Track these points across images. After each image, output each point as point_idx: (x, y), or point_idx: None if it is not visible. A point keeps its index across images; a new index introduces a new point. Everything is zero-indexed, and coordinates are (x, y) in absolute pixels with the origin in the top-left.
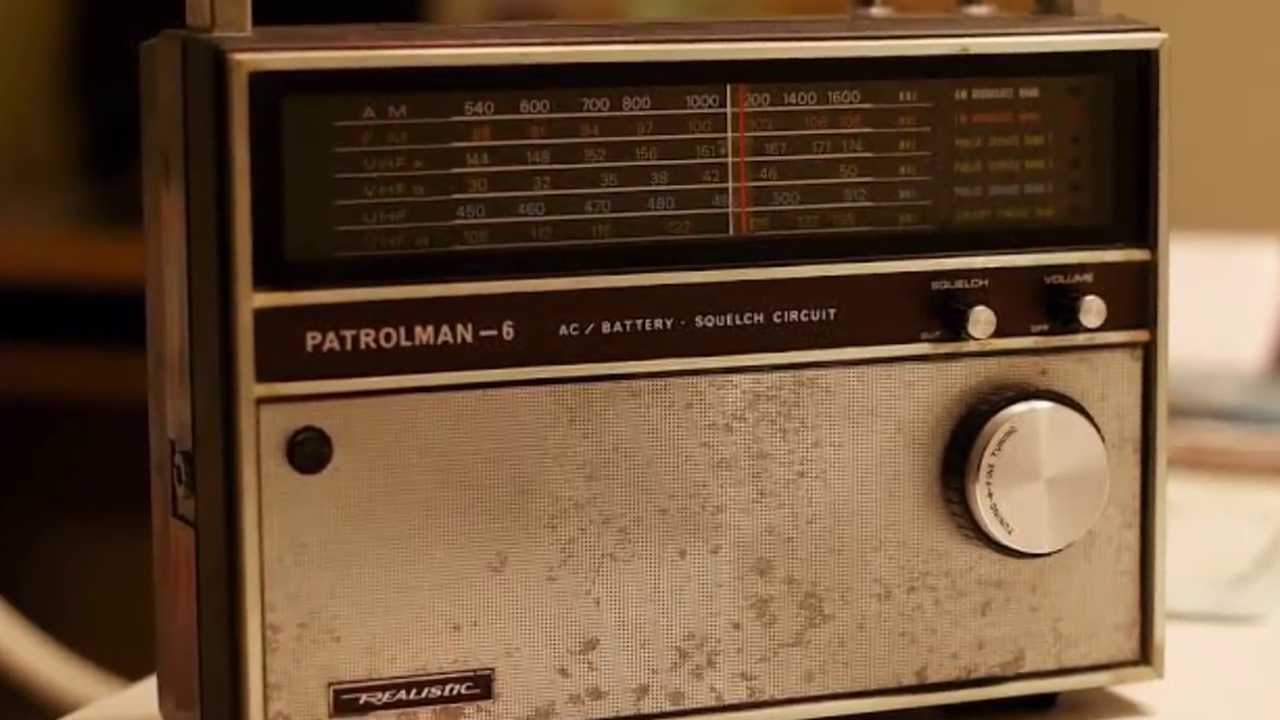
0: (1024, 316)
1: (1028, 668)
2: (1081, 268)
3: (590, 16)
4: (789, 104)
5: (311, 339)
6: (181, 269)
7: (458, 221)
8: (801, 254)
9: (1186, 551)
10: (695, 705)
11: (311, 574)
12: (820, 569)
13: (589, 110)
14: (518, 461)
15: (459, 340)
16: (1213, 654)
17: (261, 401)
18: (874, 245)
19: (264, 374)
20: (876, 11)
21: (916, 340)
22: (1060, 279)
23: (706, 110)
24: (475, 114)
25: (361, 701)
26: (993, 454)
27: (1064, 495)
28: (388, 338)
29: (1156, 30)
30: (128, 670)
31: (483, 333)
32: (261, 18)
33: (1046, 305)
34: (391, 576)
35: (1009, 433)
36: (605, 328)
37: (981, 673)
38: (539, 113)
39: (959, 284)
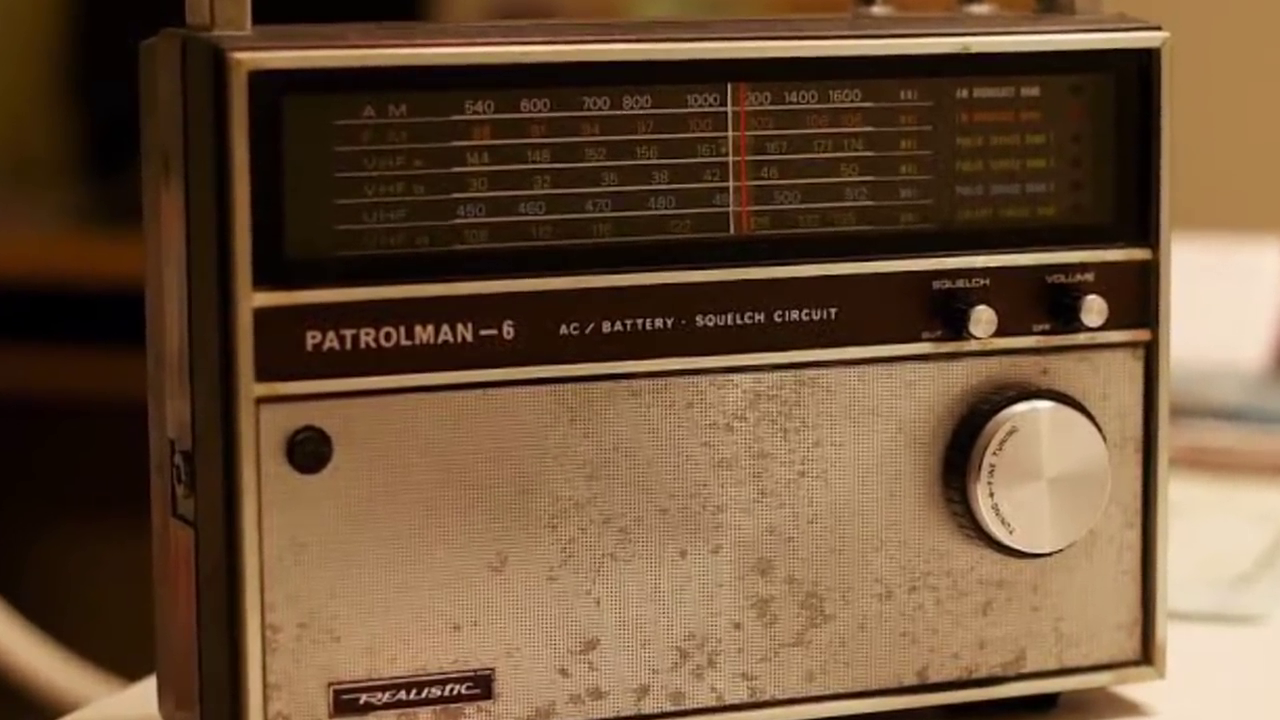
0: (1025, 316)
1: (1029, 668)
2: (1083, 267)
3: (591, 15)
4: (790, 103)
5: (311, 338)
6: (181, 268)
7: (458, 221)
8: (802, 253)
9: (1188, 551)
10: (696, 705)
11: (311, 574)
12: (821, 569)
13: (589, 109)
14: (518, 461)
15: (459, 340)
16: (1214, 654)
17: (261, 401)
18: (875, 244)
19: (264, 373)
20: (878, 10)
21: (918, 340)
22: (1061, 278)
23: (707, 109)
24: (475, 113)
25: (361, 702)
26: (994, 453)
27: (1065, 495)
28: (388, 337)
29: (1158, 29)
30: (127, 670)
31: (483, 332)
32: (261, 17)
33: (1048, 304)
34: (391, 576)
35: (1010, 432)
36: (606, 327)
37: (983, 673)
38: (539, 112)
39: (960, 283)
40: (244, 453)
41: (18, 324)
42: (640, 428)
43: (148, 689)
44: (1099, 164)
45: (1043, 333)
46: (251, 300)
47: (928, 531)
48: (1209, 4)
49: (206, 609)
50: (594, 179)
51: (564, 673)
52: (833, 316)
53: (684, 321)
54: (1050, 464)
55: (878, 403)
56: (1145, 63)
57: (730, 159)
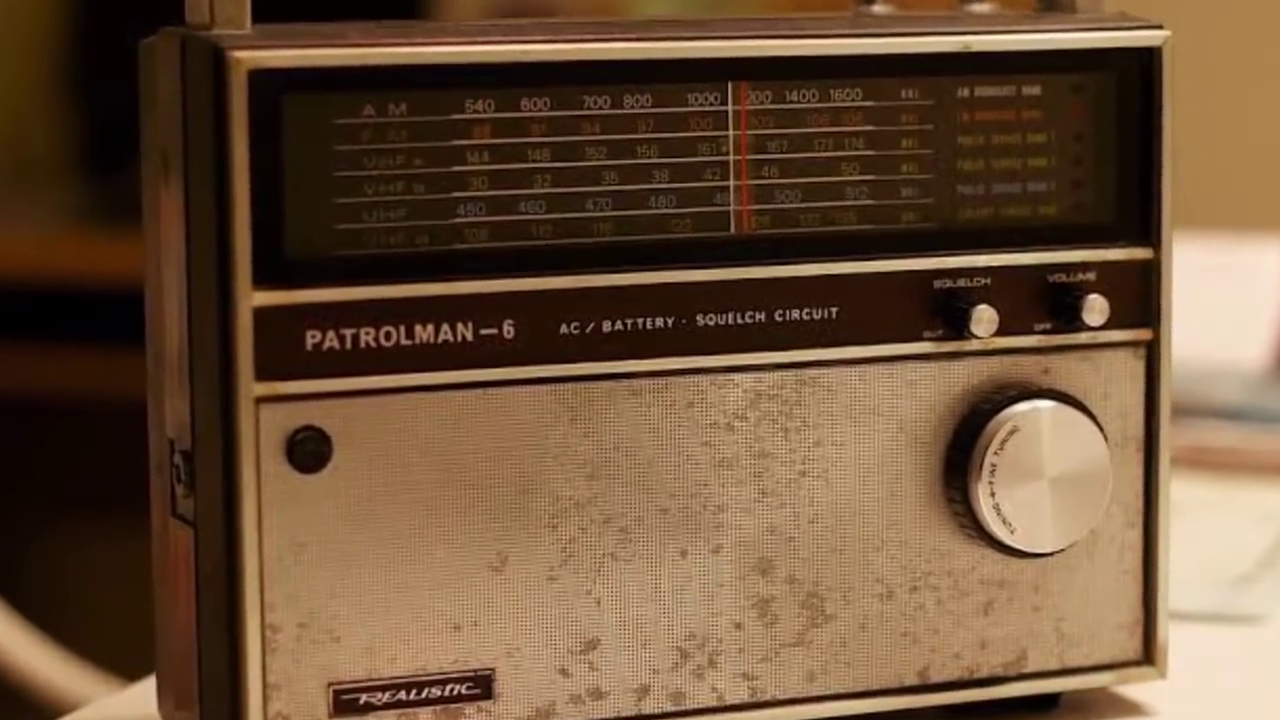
0: (1026, 315)
1: (1030, 668)
2: (1084, 266)
3: (591, 14)
4: (791, 102)
5: (311, 338)
6: (181, 267)
7: (458, 220)
8: (803, 252)
9: (1190, 551)
10: (696, 705)
11: (311, 574)
12: (822, 569)
13: (590, 108)
14: (518, 461)
15: (459, 339)
16: (1216, 654)
17: (261, 400)
18: (876, 244)
19: (263, 373)
20: (878, 9)
21: (919, 339)
22: (1063, 277)
23: (708, 108)
24: (476, 112)
25: (361, 702)
26: (995, 453)
27: (1067, 494)
28: (388, 336)
29: (1159, 28)
30: (127, 670)
31: (483, 331)
32: (261, 15)
33: (1049, 304)
34: (391, 576)
35: (1011, 432)
36: (606, 326)
37: (984, 673)
38: (540, 110)
39: (961, 282)
40: (244, 452)
41: (17, 323)
42: (641, 427)
43: (147, 689)
44: (1100, 163)
45: (1044, 332)
46: (251, 299)
47: (929, 531)
48: (1210, 2)
49: (206, 609)
50: (594, 178)
51: (564, 673)
52: (834, 316)
53: (684, 321)
54: (1052, 464)
55: (879, 402)
56: (1147, 61)
57: (731, 158)
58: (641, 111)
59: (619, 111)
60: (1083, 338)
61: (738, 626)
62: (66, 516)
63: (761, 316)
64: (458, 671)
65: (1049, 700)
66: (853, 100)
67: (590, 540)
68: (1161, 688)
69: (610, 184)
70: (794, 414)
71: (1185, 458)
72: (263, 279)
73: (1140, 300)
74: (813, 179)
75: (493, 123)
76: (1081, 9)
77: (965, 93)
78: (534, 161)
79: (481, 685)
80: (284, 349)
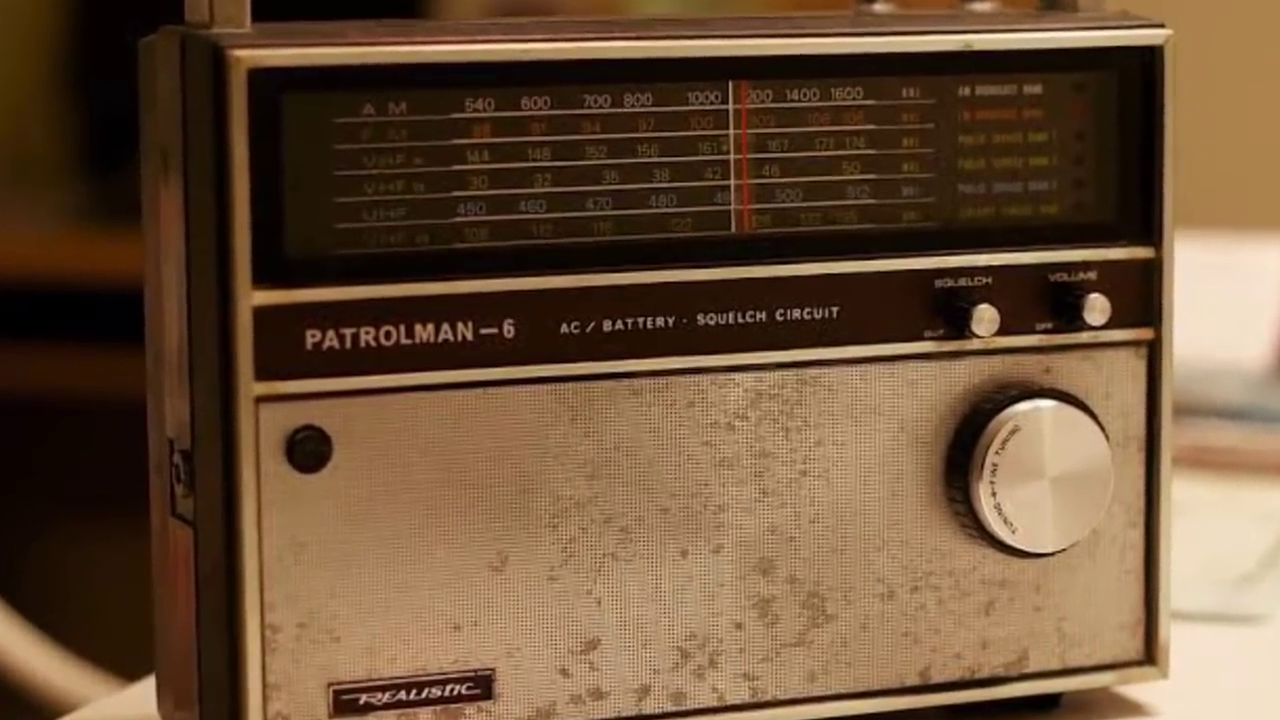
0: (1028, 314)
1: (1032, 668)
2: (1086, 265)
3: (591, 13)
4: (791, 100)
5: (311, 337)
6: (180, 267)
7: (458, 219)
8: (804, 252)
9: (1191, 551)
10: (697, 706)
11: (311, 574)
12: (823, 568)
13: (590, 107)
14: (519, 460)
15: (459, 338)
16: (1218, 654)
17: (261, 400)
18: (877, 243)
19: (263, 372)
20: (879, 7)
21: (920, 338)
22: (1064, 277)
23: (708, 107)
24: (476, 111)
25: (361, 702)
26: (996, 453)
27: (1068, 494)
28: (388, 336)
29: (1161, 26)
30: (126, 670)
31: (483, 331)
32: (260, 14)
33: (1050, 303)
34: (391, 576)
35: (1013, 431)
36: (606, 326)
37: (985, 673)
38: (540, 109)
39: (962, 282)
40: (243, 452)
41: (16, 322)
42: (641, 427)
43: (147, 689)
44: (1102, 162)
45: (1045, 331)
46: (251, 299)
47: (930, 531)
48: (1211, 2)
49: (206, 609)
50: (595, 177)
51: (565, 673)
52: (834, 315)
53: (685, 320)
54: (1053, 463)
55: (880, 402)
56: (1148, 60)
57: (731, 157)
58: (642, 110)
59: (619, 110)
60: (1084, 337)
61: (738, 626)
62: (66, 516)
63: (762, 316)
64: (458, 671)
65: (1050, 700)
66: (853, 99)
67: (591, 540)
68: (1163, 688)
69: (610, 183)
70: (795, 413)
71: (1187, 457)
72: (262, 278)
73: (1142, 300)
74: (813, 178)
75: (493, 122)
76: (1083, 8)
77: (966, 91)
78: (534, 160)
79: (482, 685)
80: (284, 348)
